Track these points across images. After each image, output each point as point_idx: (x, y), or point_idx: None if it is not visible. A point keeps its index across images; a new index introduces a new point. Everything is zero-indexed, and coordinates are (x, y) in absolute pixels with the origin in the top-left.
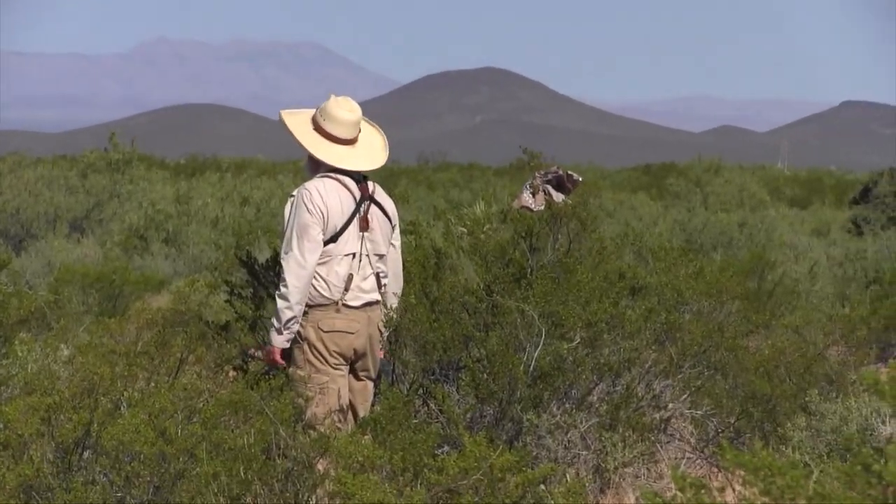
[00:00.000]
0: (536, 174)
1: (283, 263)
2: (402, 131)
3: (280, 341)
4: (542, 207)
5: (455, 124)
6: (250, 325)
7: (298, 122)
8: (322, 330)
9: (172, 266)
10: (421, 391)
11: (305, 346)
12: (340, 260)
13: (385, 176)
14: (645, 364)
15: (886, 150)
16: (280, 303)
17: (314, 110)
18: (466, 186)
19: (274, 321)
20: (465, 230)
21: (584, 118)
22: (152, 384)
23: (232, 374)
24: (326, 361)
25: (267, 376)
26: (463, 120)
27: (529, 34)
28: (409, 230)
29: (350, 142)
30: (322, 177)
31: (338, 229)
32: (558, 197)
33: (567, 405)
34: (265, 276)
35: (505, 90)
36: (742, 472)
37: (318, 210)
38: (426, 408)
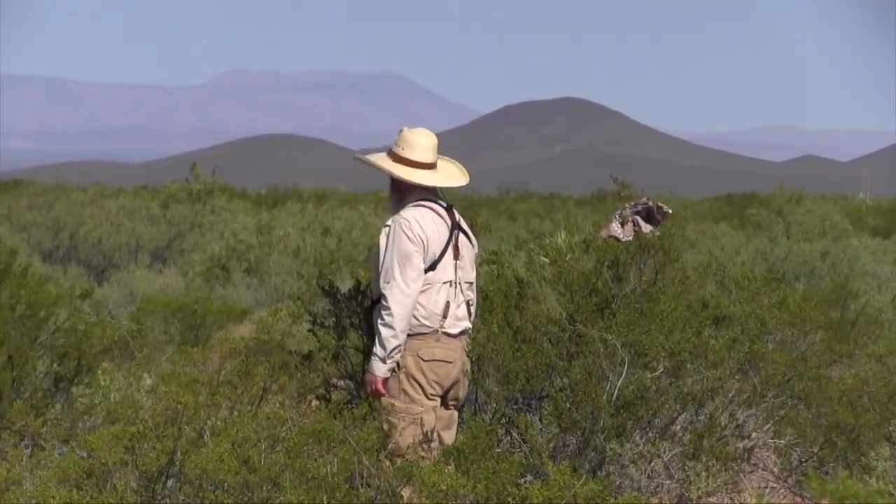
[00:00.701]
0: (626, 205)
1: (386, 293)
2: (481, 162)
3: (384, 370)
4: (631, 238)
5: (534, 155)
6: (333, 354)
7: (378, 157)
8: (422, 359)
9: (254, 296)
10: (504, 420)
11: (402, 376)
12: (440, 288)
13: (466, 206)
14: (728, 393)
15: None
16: (385, 331)
17: (385, 152)
18: (547, 216)
19: (378, 350)
20: (547, 260)
21: (664, 148)
22: (235, 413)
23: (315, 403)
24: (424, 391)
25: (350, 405)
26: (542, 150)
27: (609, 64)
28: (491, 260)
29: (431, 166)
30: (416, 206)
31: (436, 257)
32: (647, 228)
33: (650, 434)
34: (348, 306)
35: (584, 120)
36: (827, 502)
37: (419, 238)
38: (509, 437)
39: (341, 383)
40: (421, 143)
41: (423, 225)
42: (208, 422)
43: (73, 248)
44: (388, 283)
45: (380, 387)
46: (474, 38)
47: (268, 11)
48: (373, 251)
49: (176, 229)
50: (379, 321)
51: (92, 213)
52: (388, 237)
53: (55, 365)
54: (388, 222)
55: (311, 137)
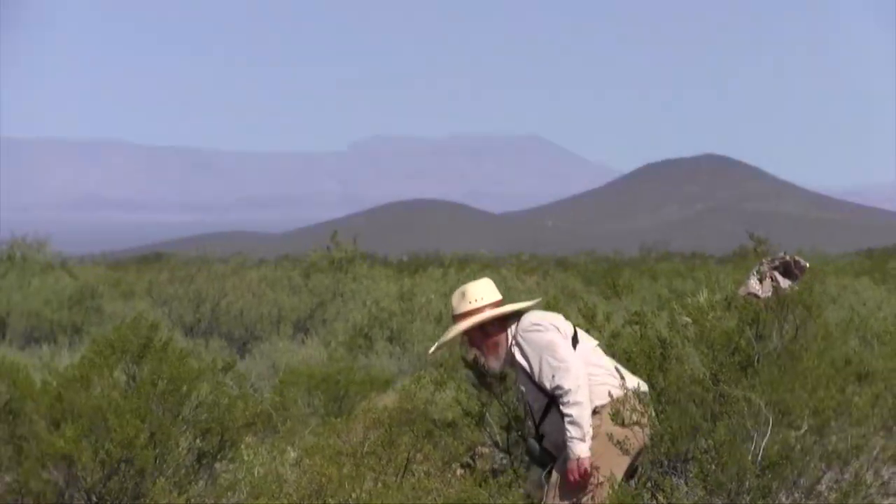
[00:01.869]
0: (763, 261)
1: (558, 381)
2: (622, 222)
3: (588, 450)
4: (770, 294)
5: (675, 214)
6: (477, 420)
7: (459, 325)
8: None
9: (397, 364)
10: (649, 484)
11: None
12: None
13: (608, 267)
14: (873, 451)
15: None
16: (577, 410)
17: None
18: (689, 275)
19: (575, 432)
20: (689, 319)
21: (805, 204)
22: (380, 484)
23: (460, 471)
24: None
25: (495, 473)
26: (683, 209)
27: (748, 120)
28: (633, 321)
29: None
30: (523, 318)
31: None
32: (785, 283)
33: (796, 495)
34: (490, 375)
35: (724, 178)
36: None
37: (550, 325)
38: (655, 501)
39: (486, 450)
40: (483, 285)
41: (544, 317)
42: (353, 494)
43: (215, 321)
44: (554, 371)
45: (589, 466)
46: (612, 97)
47: (406, 78)
48: (513, 383)
49: (318, 299)
50: (564, 409)
51: (234, 284)
52: (523, 347)
53: (198, 440)
54: (518, 341)
55: (452, 202)
